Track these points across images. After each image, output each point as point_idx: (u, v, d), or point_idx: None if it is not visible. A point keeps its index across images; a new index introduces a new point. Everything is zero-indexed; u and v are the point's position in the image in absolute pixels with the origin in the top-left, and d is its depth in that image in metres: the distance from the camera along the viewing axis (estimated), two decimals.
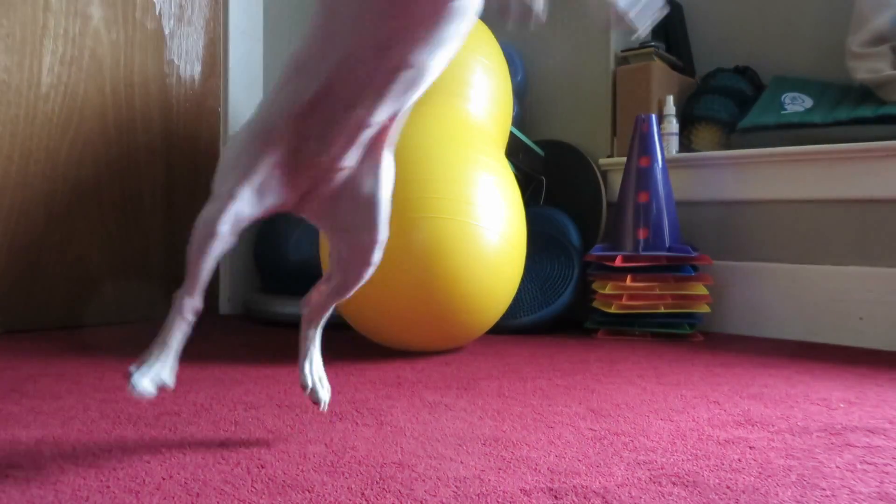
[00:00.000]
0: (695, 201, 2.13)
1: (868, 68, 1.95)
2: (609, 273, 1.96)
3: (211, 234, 0.84)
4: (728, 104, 2.20)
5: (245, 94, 2.47)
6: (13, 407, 1.16)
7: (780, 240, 2.03)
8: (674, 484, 0.83)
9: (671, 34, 2.40)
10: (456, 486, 0.81)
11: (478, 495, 0.78)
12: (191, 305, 0.83)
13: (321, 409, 0.98)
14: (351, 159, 0.83)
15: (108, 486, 0.80)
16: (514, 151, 2.08)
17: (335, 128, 0.79)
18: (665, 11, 0.65)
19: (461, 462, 0.90)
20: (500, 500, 0.77)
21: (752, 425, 1.09)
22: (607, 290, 1.93)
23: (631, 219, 1.98)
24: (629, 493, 0.80)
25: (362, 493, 0.79)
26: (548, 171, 2.28)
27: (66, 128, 2.06)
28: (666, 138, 2.16)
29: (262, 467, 0.87)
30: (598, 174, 2.26)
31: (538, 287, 2.02)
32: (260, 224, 2.32)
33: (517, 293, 1.88)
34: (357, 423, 1.07)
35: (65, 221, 2.06)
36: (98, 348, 1.72)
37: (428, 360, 1.59)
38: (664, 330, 1.93)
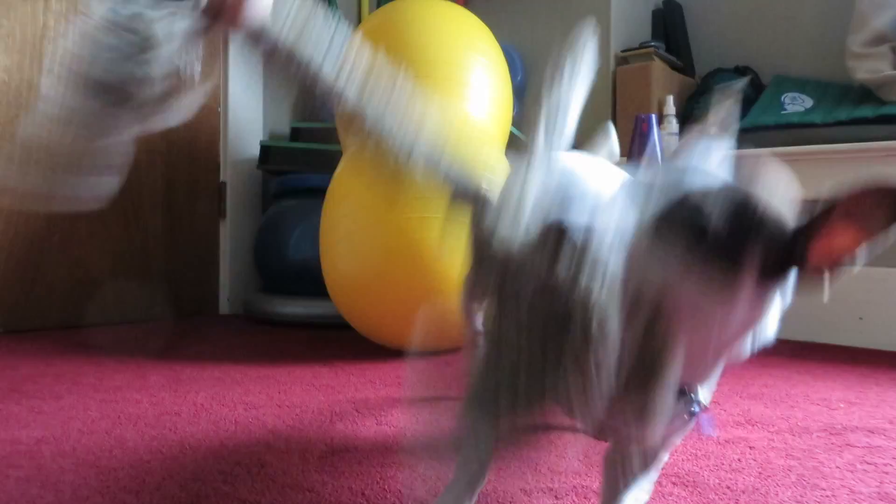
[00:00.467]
0: None
1: (868, 68, 1.95)
2: None
3: None
4: None
5: (245, 94, 2.47)
6: (13, 407, 1.16)
7: None
8: (674, 484, 0.82)
9: (671, 34, 2.40)
10: None
11: (478, 495, 0.78)
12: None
13: None
14: None
15: (108, 486, 0.80)
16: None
17: None
18: None
19: None
20: (500, 500, 0.77)
21: (752, 425, 1.09)
22: None
23: None
24: None
25: (362, 493, 0.78)
26: None
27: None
28: (666, 138, 2.16)
29: (262, 467, 0.87)
30: None
31: None
32: (260, 224, 2.32)
33: None
34: (357, 423, 1.07)
35: (65, 221, 2.06)
36: (98, 348, 1.72)
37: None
38: None
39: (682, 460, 0.91)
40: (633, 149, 2.02)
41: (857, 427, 1.08)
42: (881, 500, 0.79)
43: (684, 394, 0.51)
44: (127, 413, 1.13)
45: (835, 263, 0.54)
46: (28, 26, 1.98)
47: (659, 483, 0.83)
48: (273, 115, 2.57)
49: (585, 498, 0.78)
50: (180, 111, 0.59)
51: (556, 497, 0.78)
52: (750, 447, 0.97)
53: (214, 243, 2.42)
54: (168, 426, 1.05)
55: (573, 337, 0.45)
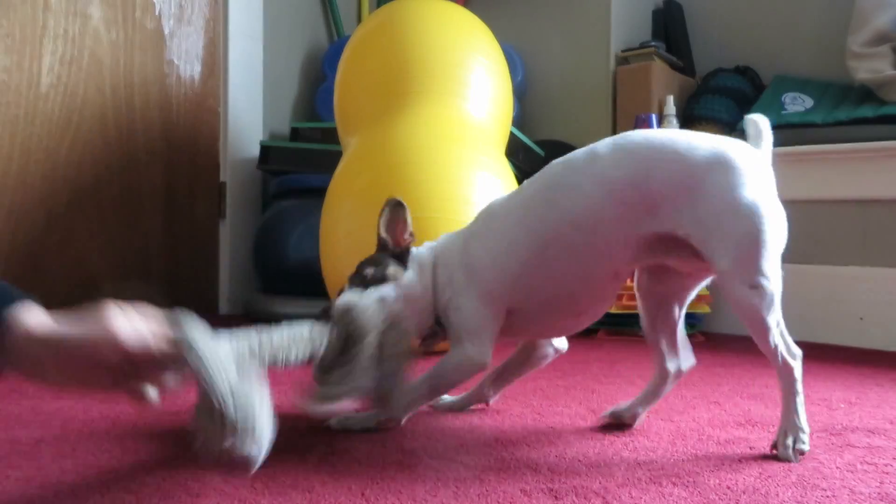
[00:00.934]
0: None
1: (868, 68, 1.95)
2: None
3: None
4: (728, 104, 2.20)
5: (245, 94, 2.47)
6: (13, 407, 1.16)
7: None
8: (674, 484, 0.82)
9: (671, 34, 2.40)
10: (456, 487, 0.81)
11: (478, 495, 0.78)
12: None
13: None
14: None
15: (109, 487, 0.80)
16: (514, 151, 2.07)
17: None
18: None
19: (461, 462, 0.90)
20: (500, 500, 0.77)
21: (753, 425, 1.09)
22: None
23: None
24: (629, 493, 0.79)
25: (362, 493, 0.78)
26: None
27: (66, 128, 2.06)
28: None
29: (262, 467, 0.87)
30: None
31: None
32: (260, 224, 2.32)
33: None
34: None
35: (65, 221, 2.06)
36: None
37: (427, 360, 1.59)
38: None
39: (683, 460, 0.91)
40: None
41: (857, 427, 1.08)
42: (881, 500, 0.79)
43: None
44: (127, 413, 1.13)
45: None
46: (28, 26, 1.98)
47: (659, 483, 0.83)
48: (273, 115, 2.57)
49: (585, 498, 0.78)
50: None
51: (556, 497, 0.78)
52: (750, 447, 0.97)
53: (214, 243, 2.42)
54: (168, 426, 1.05)
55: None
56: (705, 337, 1.97)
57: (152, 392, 0.73)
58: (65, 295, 2.06)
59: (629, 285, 1.90)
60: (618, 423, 1.08)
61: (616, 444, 0.98)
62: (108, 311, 0.71)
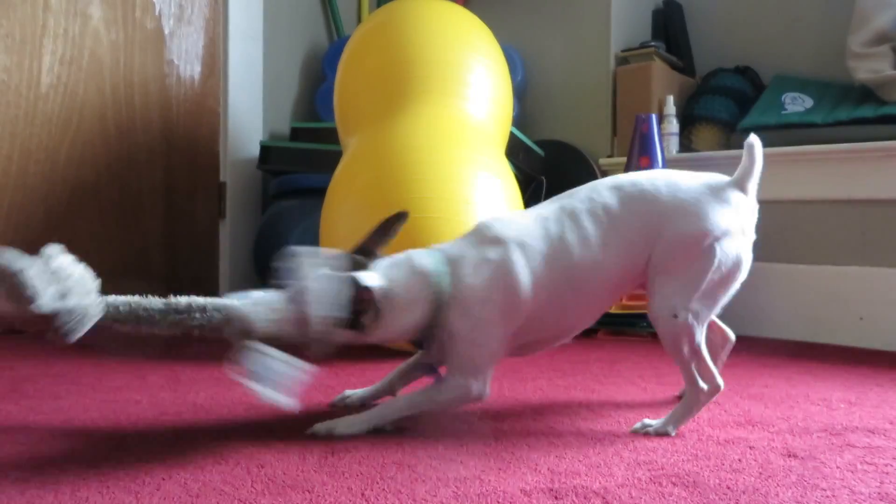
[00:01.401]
0: None
1: (868, 68, 1.94)
2: None
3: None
4: (728, 104, 2.20)
5: (245, 94, 2.47)
6: (13, 407, 1.16)
7: (780, 240, 2.02)
8: (674, 484, 0.82)
9: (671, 34, 2.40)
10: (456, 486, 0.81)
11: (478, 495, 0.78)
12: None
13: None
14: None
15: (108, 486, 0.80)
16: (514, 151, 2.07)
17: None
18: None
19: (461, 462, 0.90)
20: (500, 500, 0.77)
21: (753, 425, 1.09)
22: None
23: None
24: (629, 493, 0.79)
25: (362, 493, 0.78)
26: (548, 171, 2.28)
27: (66, 128, 2.06)
28: (666, 138, 2.16)
29: (262, 467, 0.87)
30: (599, 174, 2.26)
31: None
32: (260, 224, 2.32)
33: None
34: None
35: (65, 221, 2.06)
36: (98, 348, 1.72)
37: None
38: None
39: (683, 460, 0.91)
40: (633, 149, 2.02)
41: (857, 427, 1.08)
42: (881, 500, 0.79)
43: None
44: (127, 413, 1.13)
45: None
46: (28, 26, 1.98)
47: (659, 483, 0.83)
48: (273, 115, 2.57)
49: (585, 498, 0.78)
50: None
51: (556, 497, 0.78)
52: (750, 447, 0.97)
53: (214, 243, 2.42)
54: (168, 426, 1.05)
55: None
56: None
57: None
58: None
59: None
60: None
61: (616, 444, 0.98)
62: None
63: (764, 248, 2.06)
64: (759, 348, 1.82)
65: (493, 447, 0.96)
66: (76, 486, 0.80)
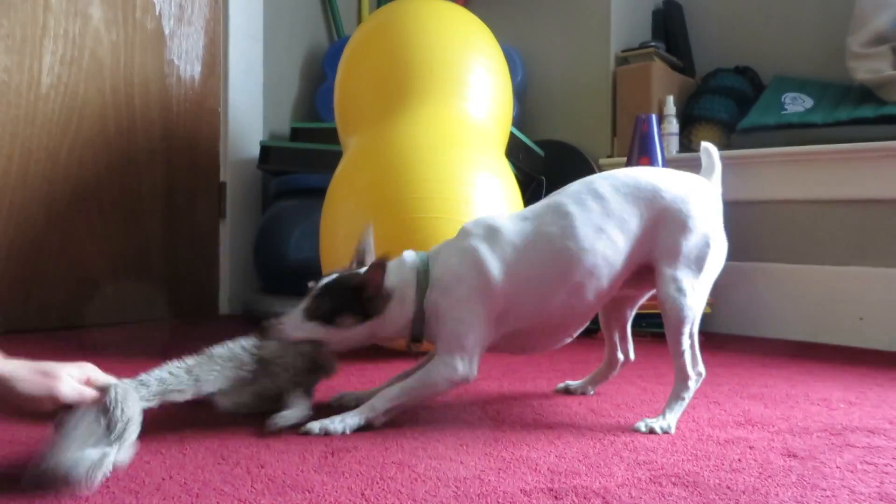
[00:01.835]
0: None
1: (868, 68, 1.95)
2: None
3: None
4: (728, 104, 2.20)
5: (245, 94, 2.47)
6: None
7: (780, 240, 2.02)
8: (674, 484, 0.82)
9: (671, 34, 2.40)
10: (456, 486, 0.81)
11: (478, 495, 0.78)
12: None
13: None
14: None
15: (108, 486, 0.80)
16: (514, 151, 2.08)
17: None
18: None
19: (461, 462, 0.90)
20: (500, 500, 0.77)
21: (752, 425, 1.09)
22: None
23: None
24: (629, 493, 0.80)
25: (362, 493, 0.79)
26: (548, 171, 2.28)
27: (66, 128, 2.06)
28: (666, 138, 2.16)
29: (262, 467, 0.87)
30: None
31: None
32: (260, 224, 2.32)
33: None
34: None
35: (65, 221, 2.06)
36: (98, 348, 1.72)
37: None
38: (664, 330, 1.93)
39: (682, 460, 0.91)
40: (633, 149, 2.02)
41: (857, 427, 1.08)
42: (881, 500, 0.79)
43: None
44: None
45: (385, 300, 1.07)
46: (28, 26, 1.98)
47: (659, 483, 0.83)
48: (273, 115, 2.57)
49: (585, 498, 0.78)
50: None
51: (556, 497, 0.78)
52: (750, 447, 0.97)
53: (214, 243, 2.42)
54: (168, 426, 1.05)
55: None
56: (705, 337, 1.97)
57: None
58: (65, 295, 2.06)
59: None
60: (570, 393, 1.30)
61: (616, 444, 0.98)
62: (56, 371, 0.87)
63: (764, 248, 2.08)
64: (759, 348, 1.82)
65: (493, 447, 0.96)
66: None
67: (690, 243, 1.10)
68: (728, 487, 0.82)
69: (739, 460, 0.92)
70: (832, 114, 1.97)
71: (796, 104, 2.06)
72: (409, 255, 1.13)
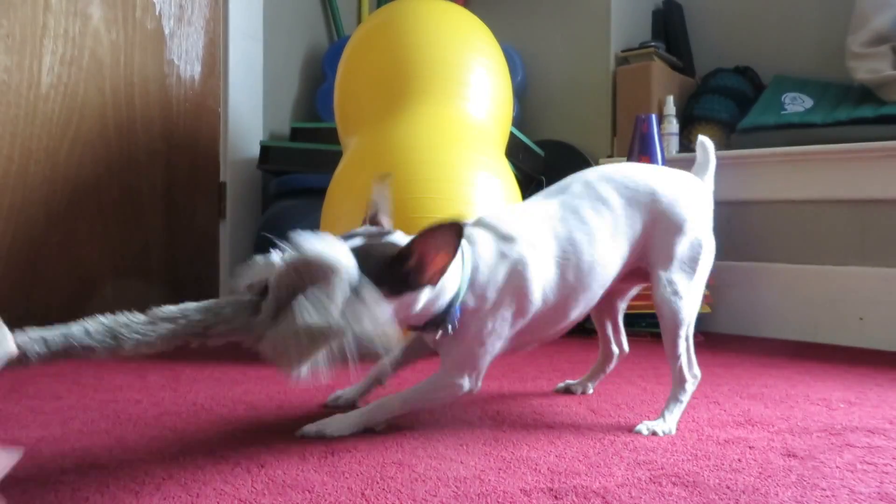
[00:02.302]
0: None
1: (868, 68, 1.95)
2: None
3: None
4: (728, 104, 2.20)
5: (245, 94, 2.47)
6: (13, 407, 1.16)
7: (780, 240, 2.02)
8: (674, 484, 0.82)
9: (671, 34, 2.40)
10: (456, 486, 0.81)
11: (478, 495, 0.78)
12: None
13: None
14: None
15: (108, 486, 0.80)
16: (514, 151, 2.07)
17: None
18: None
19: (461, 462, 0.90)
20: (500, 500, 0.77)
21: (752, 425, 1.09)
22: None
23: None
24: (629, 493, 0.80)
25: (362, 493, 0.78)
26: (548, 171, 2.28)
27: (66, 128, 2.06)
28: (666, 138, 2.16)
29: (262, 467, 0.87)
30: None
31: None
32: (260, 224, 2.32)
33: None
34: None
35: (65, 221, 2.06)
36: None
37: (428, 360, 1.59)
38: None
39: (682, 460, 0.91)
40: (633, 149, 2.02)
41: (857, 427, 1.08)
42: (881, 500, 0.79)
43: None
44: (127, 413, 1.13)
45: (436, 278, 0.93)
46: (28, 26, 1.98)
47: (659, 483, 0.83)
48: (273, 115, 2.57)
49: (585, 498, 0.78)
50: None
51: (556, 497, 0.78)
52: (750, 447, 0.97)
53: (214, 243, 2.42)
54: (168, 426, 1.05)
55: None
56: (705, 337, 1.97)
57: None
58: (65, 295, 2.06)
59: None
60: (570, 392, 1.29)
61: (616, 444, 0.98)
62: None
63: (764, 249, 2.08)
64: (759, 348, 1.82)
65: (493, 447, 0.96)
66: (76, 486, 0.80)
67: (684, 245, 1.10)
68: (728, 487, 0.82)
69: (739, 460, 0.92)
70: (832, 114, 1.97)
71: (796, 104, 2.06)
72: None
